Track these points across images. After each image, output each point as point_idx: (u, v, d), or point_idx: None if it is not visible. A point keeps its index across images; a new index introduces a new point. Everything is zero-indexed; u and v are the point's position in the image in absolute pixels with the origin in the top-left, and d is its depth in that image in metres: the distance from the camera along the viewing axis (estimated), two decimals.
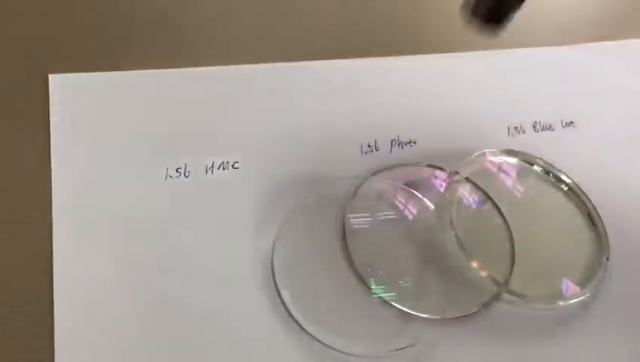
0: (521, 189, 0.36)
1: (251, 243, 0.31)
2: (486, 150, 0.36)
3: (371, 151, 0.36)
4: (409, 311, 0.30)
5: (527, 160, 0.37)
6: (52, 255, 0.29)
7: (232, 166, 0.33)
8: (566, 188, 0.36)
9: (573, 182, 0.36)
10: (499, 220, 0.34)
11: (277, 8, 0.41)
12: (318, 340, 0.28)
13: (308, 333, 0.28)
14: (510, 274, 0.32)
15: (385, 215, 0.33)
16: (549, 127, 0.40)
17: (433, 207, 0.33)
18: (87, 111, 0.33)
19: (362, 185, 0.33)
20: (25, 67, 0.34)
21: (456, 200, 0.33)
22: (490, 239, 0.34)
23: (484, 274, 0.31)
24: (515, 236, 0.33)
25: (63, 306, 0.27)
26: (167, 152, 0.33)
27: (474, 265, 0.31)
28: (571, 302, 0.32)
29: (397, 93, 0.38)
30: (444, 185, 0.34)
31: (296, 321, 0.29)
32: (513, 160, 0.37)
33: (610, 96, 0.43)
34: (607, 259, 0.33)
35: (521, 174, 0.37)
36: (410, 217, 0.33)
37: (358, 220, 0.32)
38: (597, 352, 0.31)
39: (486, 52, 0.42)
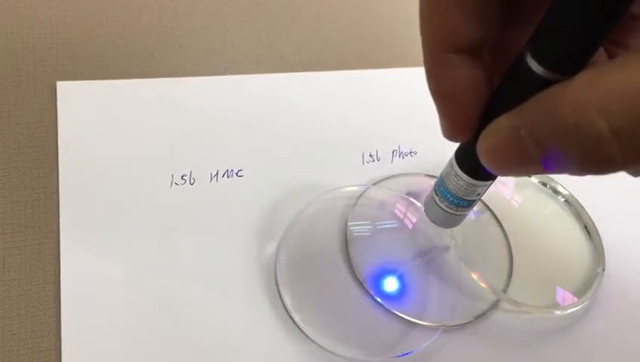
0: (519, 200, 0.37)
1: (254, 249, 0.31)
2: None
3: (373, 161, 0.36)
4: (409, 318, 0.30)
5: None
6: (59, 259, 0.29)
7: (237, 174, 0.34)
8: (562, 200, 0.37)
9: (570, 193, 0.37)
10: (497, 230, 0.34)
11: (281, 18, 0.41)
12: (319, 345, 0.29)
13: (309, 338, 0.29)
14: (508, 283, 0.32)
15: (385, 223, 0.34)
16: None
17: None
18: (94, 118, 0.34)
19: (364, 194, 0.34)
20: (33, 74, 0.35)
21: None
22: (489, 248, 0.34)
23: (482, 282, 0.31)
24: (512, 246, 0.34)
25: (69, 310, 0.28)
26: (172, 160, 0.33)
27: (472, 274, 0.32)
28: (568, 311, 0.32)
29: (399, 104, 0.39)
30: None
31: (298, 326, 0.29)
32: None
33: None
34: (603, 269, 0.34)
35: (519, 185, 0.37)
36: (410, 226, 0.34)
37: (359, 228, 0.33)
38: (593, 361, 0.32)
39: None
